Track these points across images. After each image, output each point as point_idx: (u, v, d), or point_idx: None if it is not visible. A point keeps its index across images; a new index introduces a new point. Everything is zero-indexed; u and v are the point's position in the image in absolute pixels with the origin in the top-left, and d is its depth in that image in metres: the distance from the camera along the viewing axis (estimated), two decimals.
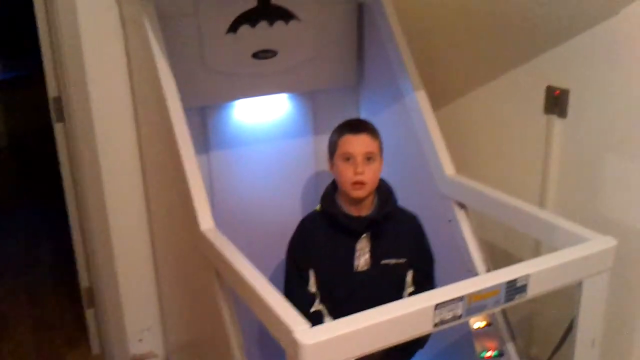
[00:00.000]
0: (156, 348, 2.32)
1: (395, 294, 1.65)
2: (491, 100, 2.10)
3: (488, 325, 1.77)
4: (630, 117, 1.65)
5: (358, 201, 1.59)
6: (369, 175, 1.56)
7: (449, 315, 1.18)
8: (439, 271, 1.87)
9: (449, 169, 1.82)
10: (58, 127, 2.35)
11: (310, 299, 1.61)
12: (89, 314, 2.42)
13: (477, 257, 1.77)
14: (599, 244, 1.36)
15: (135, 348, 2.30)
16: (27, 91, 4.44)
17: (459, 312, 1.19)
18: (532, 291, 1.27)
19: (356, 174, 1.54)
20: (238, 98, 1.94)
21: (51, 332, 2.62)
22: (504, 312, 1.73)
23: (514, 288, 1.24)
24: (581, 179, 1.82)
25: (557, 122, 1.85)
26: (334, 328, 1.10)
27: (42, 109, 2.46)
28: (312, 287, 1.61)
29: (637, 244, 1.67)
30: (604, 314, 1.42)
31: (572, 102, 1.80)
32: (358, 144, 1.56)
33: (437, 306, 1.16)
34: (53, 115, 2.32)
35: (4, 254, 3.44)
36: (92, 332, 2.43)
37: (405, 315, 1.14)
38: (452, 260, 1.84)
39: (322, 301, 1.62)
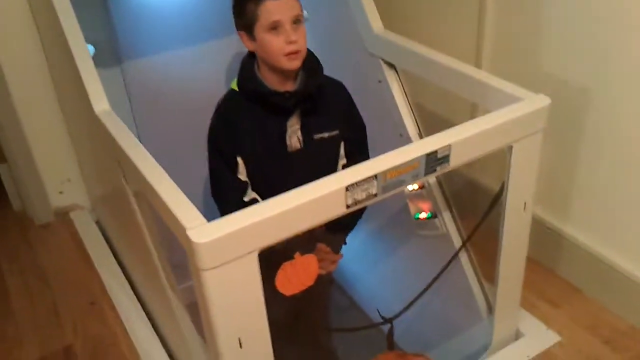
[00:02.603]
0: (80, 200, 2.25)
1: (330, 168, 1.53)
2: None
3: (421, 187, 1.70)
4: None
5: (287, 74, 1.41)
6: (302, 41, 1.37)
7: (362, 195, 1.08)
8: (370, 135, 1.77)
9: (376, 24, 1.65)
10: None
11: (242, 188, 1.47)
12: (3, 169, 2.26)
13: (408, 119, 1.66)
14: (530, 104, 1.24)
15: (57, 201, 2.23)
16: None
17: (374, 190, 1.09)
18: (456, 161, 1.17)
19: (290, 43, 1.34)
20: None
21: None
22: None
23: (434, 160, 1.14)
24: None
25: None
26: (233, 221, 0.99)
27: None
28: (242, 175, 1.46)
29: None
30: (536, 176, 1.34)
31: None
32: (284, 8, 1.33)
33: (348, 188, 1.05)
34: None
35: None
36: (9, 188, 2.29)
37: (313, 200, 1.03)
38: (384, 124, 1.72)
39: (254, 189, 1.50)
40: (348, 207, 1.07)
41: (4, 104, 2.00)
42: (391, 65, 1.65)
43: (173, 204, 1.04)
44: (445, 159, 1.15)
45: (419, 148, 1.12)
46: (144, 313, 1.72)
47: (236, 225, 0.98)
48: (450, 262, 1.48)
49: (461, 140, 1.15)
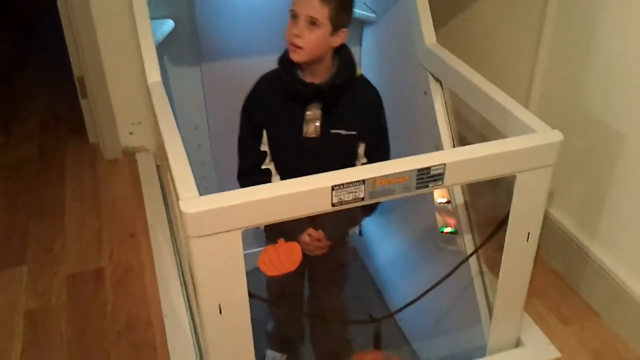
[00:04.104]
0: (147, 143, 2.43)
1: (344, 164, 1.60)
2: None
3: (448, 202, 1.74)
4: None
5: (308, 66, 1.51)
6: (309, 41, 1.44)
7: (349, 197, 1.15)
8: (409, 142, 1.82)
9: (429, 37, 1.69)
10: None
11: (262, 157, 1.61)
12: (84, 104, 2.46)
13: (445, 133, 1.70)
14: (540, 138, 1.26)
15: (127, 141, 2.42)
16: None
17: (361, 194, 1.16)
18: (450, 180, 1.21)
19: (292, 35, 1.44)
20: None
21: (57, 122, 2.76)
22: (463, 191, 1.69)
23: (427, 176, 1.19)
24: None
25: None
26: (220, 199, 1.09)
27: None
28: (265, 145, 1.60)
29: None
30: (543, 209, 1.35)
31: None
32: (303, 4, 1.43)
33: (335, 187, 1.13)
34: None
35: (22, 54, 3.61)
36: (88, 122, 2.50)
37: (299, 193, 1.12)
38: (423, 133, 1.78)
39: (274, 161, 1.62)
40: (334, 205, 1.15)
41: (91, 47, 2.21)
42: (438, 80, 1.70)
43: (177, 174, 1.16)
44: (439, 177, 1.20)
45: (412, 162, 1.17)
46: (174, 255, 1.87)
47: (223, 204, 1.09)
48: (448, 275, 1.52)
49: (457, 161, 1.19)
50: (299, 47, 1.44)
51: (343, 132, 1.56)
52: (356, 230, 1.74)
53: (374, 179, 1.15)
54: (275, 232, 1.44)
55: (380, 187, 1.17)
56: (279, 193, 1.11)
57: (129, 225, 2.02)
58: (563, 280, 1.80)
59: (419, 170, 1.17)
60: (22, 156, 2.50)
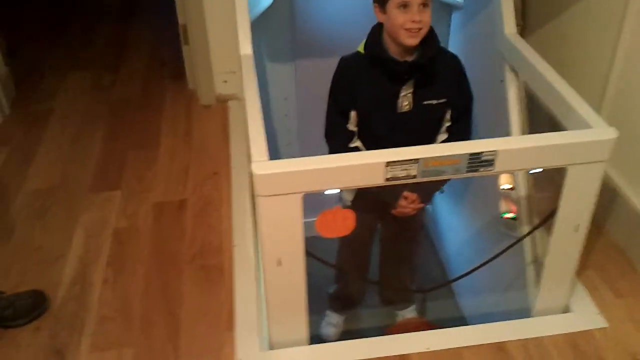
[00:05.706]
0: (239, 92, 2.57)
1: (434, 129, 1.72)
2: None
3: (512, 189, 1.80)
4: None
5: (406, 47, 1.59)
6: (425, 22, 1.55)
7: (402, 174, 1.26)
8: (482, 127, 1.89)
9: (509, 28, 1.75)
10: None
11: (350, 136, 1.70)
12: (185, 50, 2.65)
13: (515, 122, 1.75)
14: (594, 134, 1.31)
15: (221, 88, 2.61)
16: None
17: (414, 172, 1.26)
18: (502, 167, 1.29)
19: (413, 21, 1.53)
20: None
21: (162, 66, 3.03)
22: (528, 180, 1.75)
23: (478, 161, 1.27)
24: None
25: None
26: (287, 165, 1.24)
27: None
28: (352, 124, 1.69)
29: None
30: (593, 202, 1.40)
31: None
32: None
33: (388, 164, 1.24)
34: None
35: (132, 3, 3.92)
36: (188, 68, 2.70)
37: (356, 166, 1.25)
38: (496, 119, 1.84)
39: (361, 139, 1.72)
40: (387, 180, 1.27)
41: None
42: (514, 70, 1.75)
43: (253, 140, 1.32)
44: (490, 162, 1.28)
45: (465, 147, 1.27)
46: (250, 196, 2.02)
47: (287, 169, 1.24)
48: (497, 255, 1.60)
49: (508, 149, 1.27)
50: (420, 30, 1.54)
51: (434, 101, 1.65)
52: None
53: (427, 159, 1.26)
54: (364, 197, 1.59)
55: (433, 168, 1.27)
56: (338, 164, 1.25)
57: (214, 165, 2.23)
58: (624, 256, 1.82)
59: (471, 154, 1.26)
60: (127, 94, 2.78)
